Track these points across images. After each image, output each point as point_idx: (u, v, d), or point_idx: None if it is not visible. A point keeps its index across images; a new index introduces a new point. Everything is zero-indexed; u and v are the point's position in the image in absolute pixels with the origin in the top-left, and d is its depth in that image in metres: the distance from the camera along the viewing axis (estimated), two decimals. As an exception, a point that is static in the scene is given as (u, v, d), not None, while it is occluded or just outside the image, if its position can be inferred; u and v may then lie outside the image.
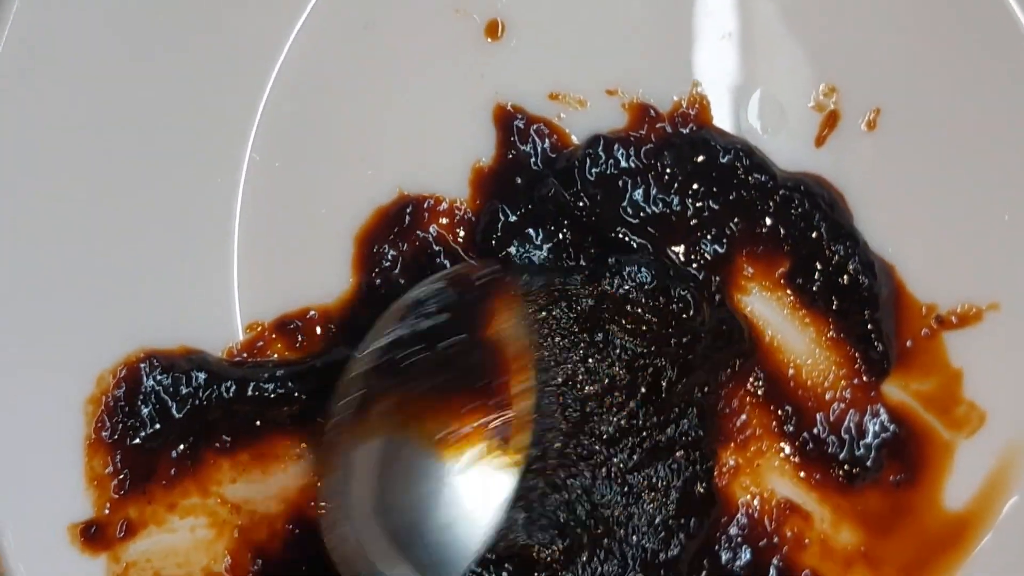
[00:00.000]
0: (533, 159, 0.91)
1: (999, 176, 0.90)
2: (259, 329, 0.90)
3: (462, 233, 0.91)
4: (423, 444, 0.78)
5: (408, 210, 0.91)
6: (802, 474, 0.90)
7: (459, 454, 0.78)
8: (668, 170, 0.90)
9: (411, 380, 0.80)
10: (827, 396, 0.90)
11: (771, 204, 0.90)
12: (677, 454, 0.87)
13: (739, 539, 0.90)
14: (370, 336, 0.82)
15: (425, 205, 0.91)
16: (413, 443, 0.78)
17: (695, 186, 0.90)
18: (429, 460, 0.78)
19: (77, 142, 0.87)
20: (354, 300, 0.91)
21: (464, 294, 0.84)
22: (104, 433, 0.86)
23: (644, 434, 0.87)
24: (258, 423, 0.88)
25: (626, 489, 0.86)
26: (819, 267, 0.90)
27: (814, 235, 0.89)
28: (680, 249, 0.90)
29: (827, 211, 0.90)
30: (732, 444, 0.90)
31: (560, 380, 0.85)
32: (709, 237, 0.89)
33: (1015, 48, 0.91)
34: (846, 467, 0.90)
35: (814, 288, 0.90)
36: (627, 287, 0.86)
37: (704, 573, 0.89)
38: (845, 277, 0.89)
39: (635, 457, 0.87)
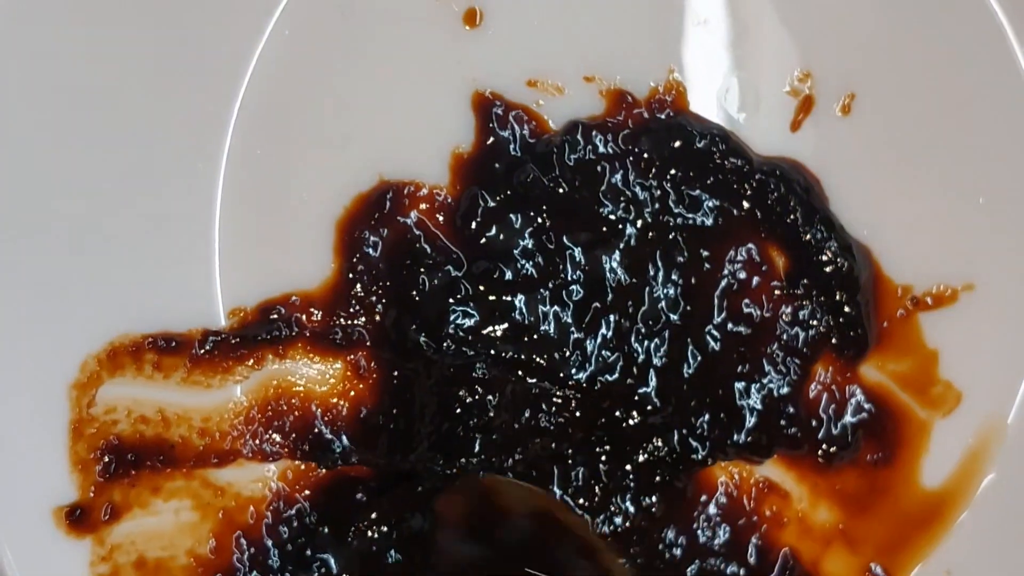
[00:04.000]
0: (512, 145, 0.91)
1: (973, 158, 0.91)
2: (242, 314, 0.91)
3: (442, 218, 0.91)
4: None
5: (388, 196, 0.91)
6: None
7: None
8: (645, 155, 0.90)
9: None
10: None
11: (747, 188, 0.90)
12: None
13: (718, 518, 0.90)
14: None
15: (405, 191, 0.91)
16: None
17: (672, 171, 0.90)
18: None
19: (57, 131, 0.88)
20: (336, 285, 0.91)
21: None
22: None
23: None
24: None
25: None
26: (800, 250, 0.90)
27: (790, 219, 0.90)
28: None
29: (803, 195, 0.90)
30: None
31: None
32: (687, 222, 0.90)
33: (988, 32, 0.91)
34: (824, 447, 0.91)
35: (794, 271, 0.90)
36: None
37: (682, 551, 0.89)
38: (824, 260, 0.89)
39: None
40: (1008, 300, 0.90)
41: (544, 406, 0.88)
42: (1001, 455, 0.89)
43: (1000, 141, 0.91)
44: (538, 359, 0.89)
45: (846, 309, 0.90)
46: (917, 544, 0.90)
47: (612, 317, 0.89)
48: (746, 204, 0.90)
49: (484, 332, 0.89)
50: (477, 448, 0.87)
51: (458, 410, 0.87)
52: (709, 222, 0.90)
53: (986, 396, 0.90)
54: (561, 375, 0.89)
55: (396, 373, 0.90)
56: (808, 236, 0.90)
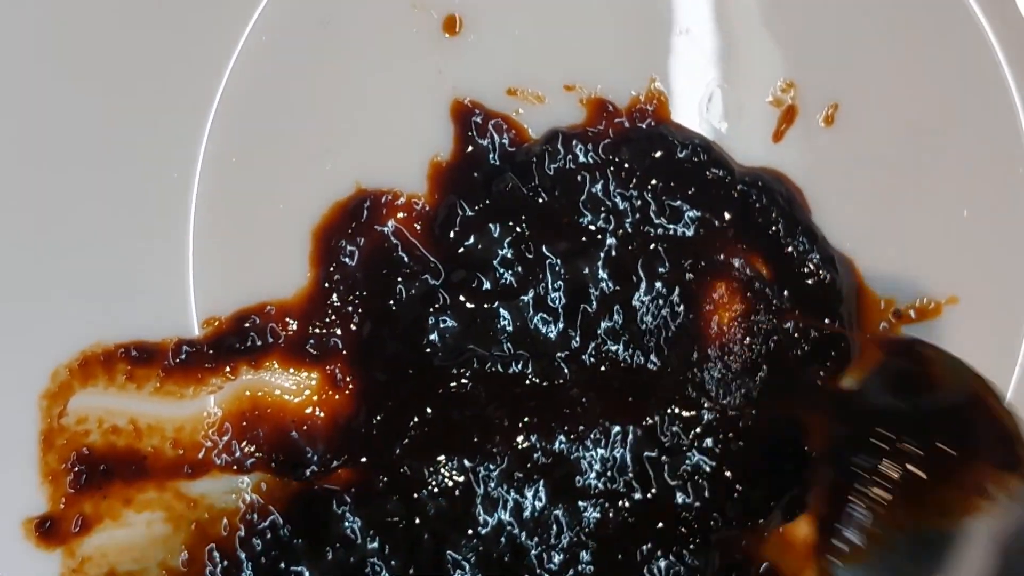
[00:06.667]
0: (491, 154, 0.91)
1: (957, 171, 0.90)
2: (216, 324, 0.90)
3: (420, 227, 0.91)
4: None
5: (366, 205, 0.90)
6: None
7: None
8: (626, 165, 0.90)
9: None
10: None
11: (729, 199, 0.90)
12: None
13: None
14: None
15: (383, 200, 0.90)
16: None
17: (653, 181, 0.89)
18: None
19: (27, 136, 0.87)
20: (311, 294, 0.90)
21: None
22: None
23: None
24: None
25: None
26: (781, 263, 0.90)
27: (772, 230, 0.89)
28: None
29: (785, 206, 0.90)
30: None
31: None
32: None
33: (973, 44, 0.91)
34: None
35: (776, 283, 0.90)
36: None
37: (666, 563, 0.88)
38: (806, 272, 0.89)
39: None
40: (992, 315, 0.90)
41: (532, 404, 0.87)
42: None
43: (984, 153, 0.91)
44: (524, 369, 0.88)
45: (827, 321, 0.88)
46: None
47: (603, 323, 0.88)
48: (727, 215, 0.89)
49: (464, 341, 0.88)
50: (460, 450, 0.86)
51: (441, 411, 0.87)
52: (690, 233, 0.89)
53: None
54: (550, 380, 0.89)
55: (374, 383, 0.89)
56: (790, 248, 0.89)
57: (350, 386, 0.90)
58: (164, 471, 0.88)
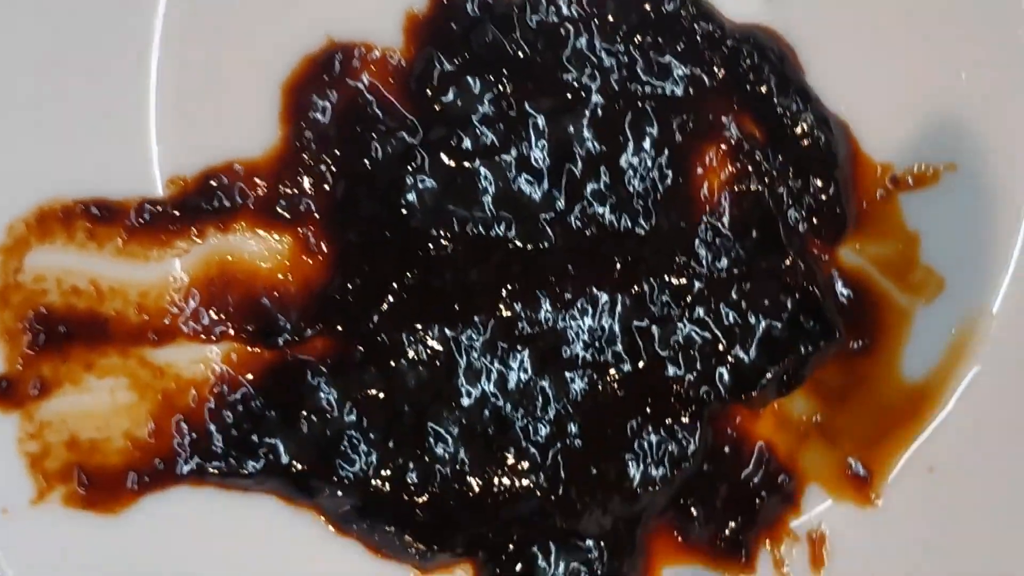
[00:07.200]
0: (469, 4, 0.87)
1: (956, 30, 0.88)
2: (181, 183, 0.86)
3: (395, 82, 0.88)
4: None
5: (338, 58, 0.87)
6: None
7: None
8: (611, 18, 0.87)
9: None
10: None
11: (719, 56, 0.87)
12: None
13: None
14: None
15: (356, 53, 0.87)
16: None
17: (639, 36, 0.87)
18: None
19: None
20: (282, 153, 0.87)
21: None
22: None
23: None
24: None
25: None
26: (773, 123, 0.87)
27: (763, 89, 0.87)
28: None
29: (777, 64, 0.87)
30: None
31: None
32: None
33: None
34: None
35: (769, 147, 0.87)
36: None
37: (657, 438, 0.85)
38: (800, 133, 0.87)
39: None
40: (992, 181, 0.88)
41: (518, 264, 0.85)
42: (986, 347, 0.87)
43: (985, 11, 0.88)
44: (507, 232, 0.85)
45: (822, 186, 0.87)
46: (897, 438, 0.88)
47: (589, 184, 0.85)
48: (718, 72, 0.87)
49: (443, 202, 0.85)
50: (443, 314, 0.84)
51: (421, 277, 0.85)
52: (679, 91, 0.87)
53: (969, 284, 0.88)
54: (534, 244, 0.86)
55: (349, 247, 0.86)
56: (782, 108, 0.87)
57: (324, 250, 0.86)
58: (128, 336, 0.84)
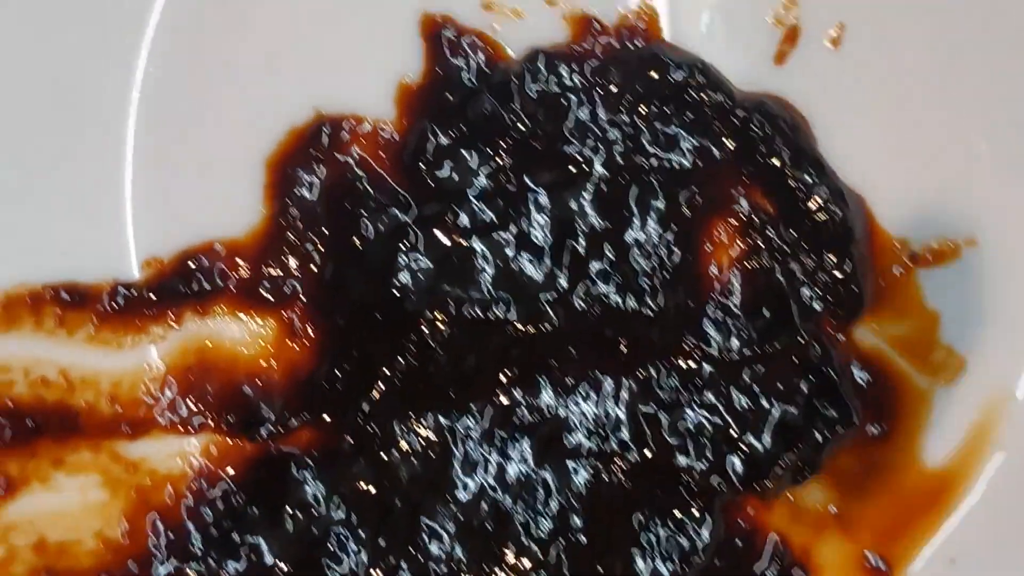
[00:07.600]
0: (465, 74, 0.86)
1: (977, 99, 0.86)
2: (158, 265, 0.85)
3: (387, 156, 0.86)
4: None
5: (326, 131, 0.86)
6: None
7: None
8: (615, 88, 0.85)
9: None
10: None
11: (729, 126, 0.85)
12: None
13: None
14: None
15: (345, 126, 0.86)
16: None
17: (645, 106, 0.85)
18: None
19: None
20: (266, 232, 0.86)
21: None
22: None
23: None
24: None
25: None
26: (786, 197, 0.85)
27: (776, 161, 0.84)
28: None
29: (789, 135, 0.85)
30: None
31: None
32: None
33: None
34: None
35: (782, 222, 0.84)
36: None
37: (666, 532, 0.82)
38: (814, 208, 0.84)
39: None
40: (1015, 257, 0.86)
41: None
42: (1009, 432, 0.85)
43: (1005, 79, 0.85)
44: (506, 314, 0.84)
45: (837, 262, 0.84)
46: (917, 529, 0.86)
47: (592, 263, 0.83)
48: (727, 144, 0.85)
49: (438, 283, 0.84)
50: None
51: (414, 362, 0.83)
52: (687, 163, 0.84)
53: (992, 364, 0.86)
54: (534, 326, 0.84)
55: (337, 331, 0.85)
56: (795, 180, 0.84)
57: (310, 335, 0.85)
58: (100, 430, 0.83)
